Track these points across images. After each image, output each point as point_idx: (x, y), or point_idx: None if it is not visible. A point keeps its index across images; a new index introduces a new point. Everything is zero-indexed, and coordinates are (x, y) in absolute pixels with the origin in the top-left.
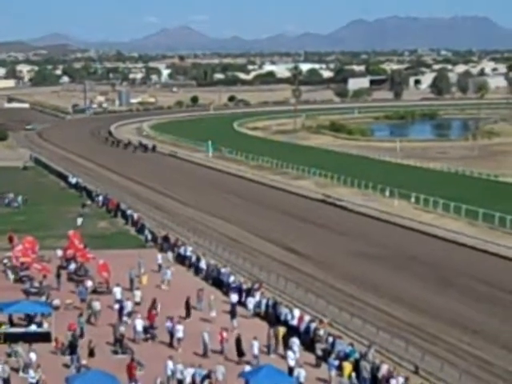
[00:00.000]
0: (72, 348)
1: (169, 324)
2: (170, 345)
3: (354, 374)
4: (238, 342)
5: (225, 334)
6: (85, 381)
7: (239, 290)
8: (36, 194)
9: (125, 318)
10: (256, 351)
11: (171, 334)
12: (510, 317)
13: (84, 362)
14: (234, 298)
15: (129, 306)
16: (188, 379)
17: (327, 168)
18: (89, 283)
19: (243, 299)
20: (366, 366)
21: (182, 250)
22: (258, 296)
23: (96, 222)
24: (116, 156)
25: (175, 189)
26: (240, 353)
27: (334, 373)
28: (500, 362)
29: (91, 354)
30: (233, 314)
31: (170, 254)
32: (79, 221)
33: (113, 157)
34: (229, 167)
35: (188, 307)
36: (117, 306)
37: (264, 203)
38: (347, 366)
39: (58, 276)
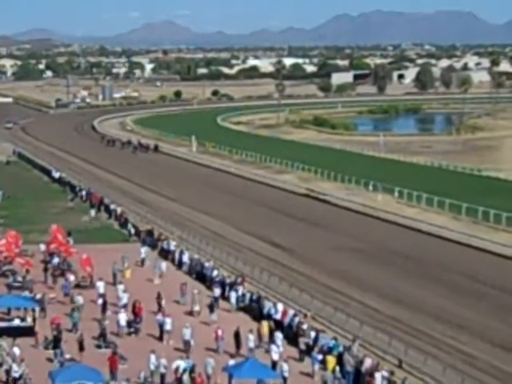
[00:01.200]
0: (55, 342)
1: (159, 317)
2: (160, 338)
3: (337, 368)
4: (237, 335)
5: (220, 332)
6: (68, 375)
7: (222, 284)
8: (19, 189)
9: (108, 313)
10: (251, 344)
11: (161, 327)
12: (494, 311)
13: (68, 356)
14: (217, 291)
15: (124, 297)
16: (176, 371)
17: (310, 162)
18: (71, 277)
19: (226, 293)
20: (350, 359)
21: (165, 245)
22: (241, 290)
23: (79, 216)
24: (104, 153)
25: (159, 183)
26: (238, 346)
27: (317, 367)
28: (484, 356)
29: (81, 348)
30: (212, 308)
31: (145, 248)
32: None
33: (103, 155)
34: (212, 161)
35: (159, 303)
36: (100, 301)
37: (247, 197)
38: (331, 360)
39: (46, 270)
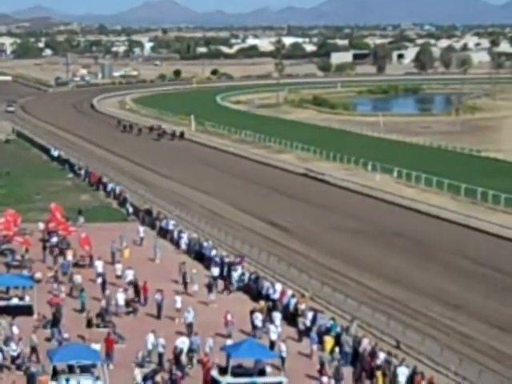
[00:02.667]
0: (54, 321)
1: (158, 297)
2: (158, 317)
3: (337, 349)
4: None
5: (229, 317)
6: (66, 354)
7: (221, 264)
8: (18, 168)
9: (107, 292)
10: (259, 323)
11: (159, 306)
12: (491, 292)
13: (66, 335)
14: (215, 271)
15: (130, 274)
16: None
17: (309, 142)
18: (69, 256)
19: (225, 273)
20: (348, 340)
21: (164, 224)
22: (239, 270)
23: (78, 195)
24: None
25: (157, 162)
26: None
27: (315, 347)
28: (481, 337)
29: (89, 324)
30: (210, 287)
31: (143, 227)
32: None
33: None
34: (211, 141)
35: (136, 290)
36: (99, 280)
37: (246, 177)
38: (329, 341)
39: (44, 248)
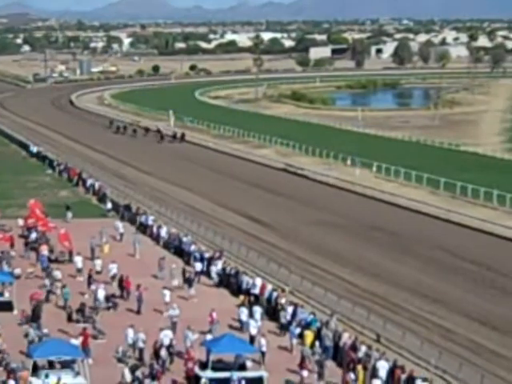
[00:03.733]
0: (33, 316)
1: (137, 292)
2: (138, 312)
3: (317, 343)
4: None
5: (214, 315)
6: (46, 349)
7: (201, 259)
8: None
9: (93, 287)
10: (244, 318)
11: (139, 301)
12: (471, 285)
13: (46, 330)
14: (199, 266)
15: (114, 268)
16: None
17: (289, 137)
18: (44, 251)
19: (205, 268)
20: (329, 334)
21: (143, 219)
22: (219, 265)
23: (57, 191)
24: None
25: (137, 158)
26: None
27: (295, 341)
28: (461, 331)
29: (69, 319)
30: (189, 282)
31: (123, 223)
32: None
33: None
34: (191, 136)
35: (121, 285)
36: (85, 276)
37: (226, 172)
38: (309, 335)
39: (26, 244)
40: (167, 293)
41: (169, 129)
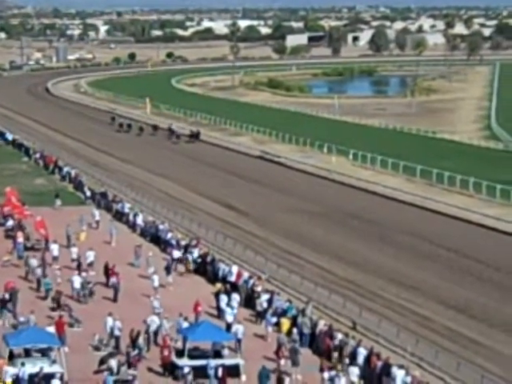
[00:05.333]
0: (3, 304)
1: (114, 280)
2: (114, 300)
3: (295, 330)
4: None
5: (200, 308)
6: (22, 338)
7: (177, 247)
8: None
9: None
10: (223, 305)
11: (116, 289)
12: (448, 273)
13: (22, 319)
14: (176, 254)
15: (91, 256)
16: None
17: (265, 125)
18: (19, 238)
19: (181, 256)
20: (306, 321)
21: (119, 207)
22: (196, 252)
23: (33, 178)
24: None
25: (113, 146)
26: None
27: (270, 329)
28: (438, 318)
29: (58, 305)
30: (168, 270)
31: (99, 211)
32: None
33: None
34: (167, 123)
35: (107, 272)
36: (57, 266)
37: (202, 160)
38: (285, 322)
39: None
40: (156, 277)
41: (182, 127)
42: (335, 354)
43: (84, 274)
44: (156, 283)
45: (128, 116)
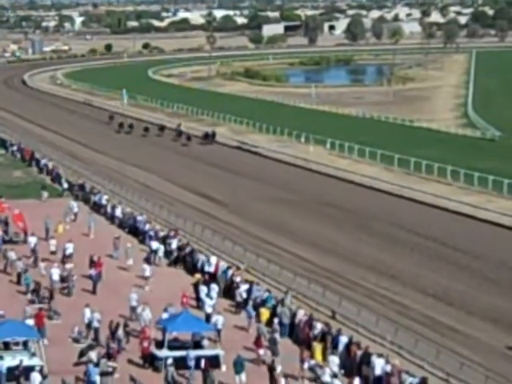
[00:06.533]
0: None
1: (92, 272)
2: (93, 292)
3: (275, 320)
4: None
5: (186, 300)
6: (1, 331)
7: (155, 238)
8: None
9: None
10: (214, 295)
11: (95, 281)
12: (426, 262)
13: (1, 312)
14: (155, 245)
15: (70, 248)
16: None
17: (242, 115)
18: None
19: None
20: (286, 311)
21: (97, 199)
22: (174, 243)
23: (10, 171)
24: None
25: (91, 137)
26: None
27: (252, 319)
28: (416, 306)
29: (51, 296)
30: (148, 261)
31: (77, 203)
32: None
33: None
34: (144, 115)
35: (91, 261)
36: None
37: (179, 150)
38: (264, 312)
39: None
40: (147, 267)
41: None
42: (315, 344)
43: (68, 265)
44: (148, 273)
45: (104, 107)
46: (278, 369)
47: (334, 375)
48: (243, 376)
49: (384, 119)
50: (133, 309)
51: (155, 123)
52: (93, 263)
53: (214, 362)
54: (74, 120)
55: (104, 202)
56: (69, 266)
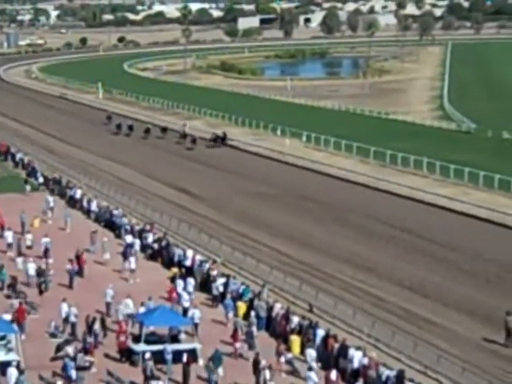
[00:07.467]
0: None
1: (69, 266)
2: (70, 287)
3: (253, 313)
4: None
5: (174, 295)
6: None
7: (132, 232)
8: None
9: (50, 261)
10: (191, 289)
11: (71, 276)
12: (402, 254)
13: None
14: (129, 238)
15: (47, 242)
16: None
17: (218, 108)
18: None
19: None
20: (263, 305)
21: (72, 193)
22: (150, 237)
23: None
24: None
25: (66, 131)
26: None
27: (230, 313)
28: (393, 299)
29: (41, 291)
30: (125, 255)
31: (50, 197)
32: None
33: None
34: (120, 108)
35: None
36: (12, 253)
37: (155, 144)
38: (241, 306)
39: None
40: (132, 260)
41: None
42: (292, 337)
43: (51, 260)
44: (133, 265)
45: (80, 101)
46: (263, 362)
47: (310, 368)
48: (220, 370)
49: (360, 112)
50: (108, 304)
51: (157, 124)
52: (78, 258)
53: (191, 355)
54: (49, 114)
55: (78, 196)
56: (50, 260)
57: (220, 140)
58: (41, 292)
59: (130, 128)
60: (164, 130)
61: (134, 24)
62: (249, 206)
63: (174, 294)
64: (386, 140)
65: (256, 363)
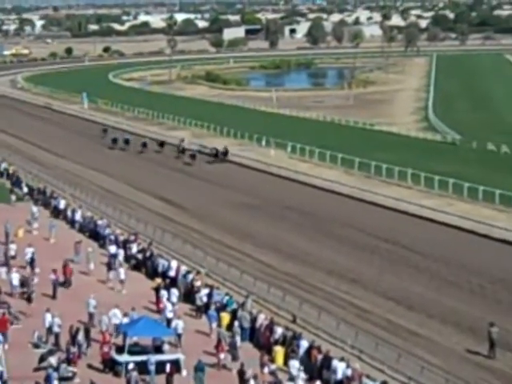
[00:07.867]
0: None
1: (53, 276)
2: (53, 297)
3: (236, 324)
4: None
5: (161, 305)
6: None
7: (116, 242)
8: None
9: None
10: (175, 299)
11: (55, 286)
12: (387, 265)
13: None
14: (113, 249)
15: (29, 253)
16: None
17: (203, 118)
18: None
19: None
20: (246, 316)
21: (57, 203)
22: (134, 248)
23: None
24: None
25: (51, 141)
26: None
27: (214, 324)
28: (377, 310)
29: (29, 300)
30: (109, 266)
31: (35, 207)
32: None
33: None
34: (105, 119)
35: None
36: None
37: (140, 154)
38: (225, 317)
39: None
40: (122, 270)
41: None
42: (276, 348)
43: (37, 270)
44: (122, 276)
45: (65, 112)
46: (248, 373)
47: (291, 379)
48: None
49: (345, 123)
50: (90, 315)
51: (154, 138)
52: (65, 269)
53: (174, 366)
54: (34, 124)
55: (62, 206)
56: (36, 270)
57: (222, 155)
58: (29, 301)
59: (127, 142)
60: (161, 144)
61: (120, 34)
62: (233, 217)
63: (161, 305)
64: (370, 151)
65: (242, 373)
